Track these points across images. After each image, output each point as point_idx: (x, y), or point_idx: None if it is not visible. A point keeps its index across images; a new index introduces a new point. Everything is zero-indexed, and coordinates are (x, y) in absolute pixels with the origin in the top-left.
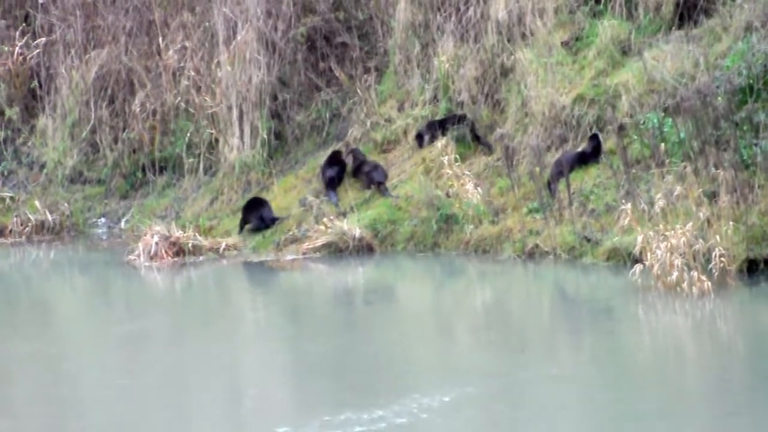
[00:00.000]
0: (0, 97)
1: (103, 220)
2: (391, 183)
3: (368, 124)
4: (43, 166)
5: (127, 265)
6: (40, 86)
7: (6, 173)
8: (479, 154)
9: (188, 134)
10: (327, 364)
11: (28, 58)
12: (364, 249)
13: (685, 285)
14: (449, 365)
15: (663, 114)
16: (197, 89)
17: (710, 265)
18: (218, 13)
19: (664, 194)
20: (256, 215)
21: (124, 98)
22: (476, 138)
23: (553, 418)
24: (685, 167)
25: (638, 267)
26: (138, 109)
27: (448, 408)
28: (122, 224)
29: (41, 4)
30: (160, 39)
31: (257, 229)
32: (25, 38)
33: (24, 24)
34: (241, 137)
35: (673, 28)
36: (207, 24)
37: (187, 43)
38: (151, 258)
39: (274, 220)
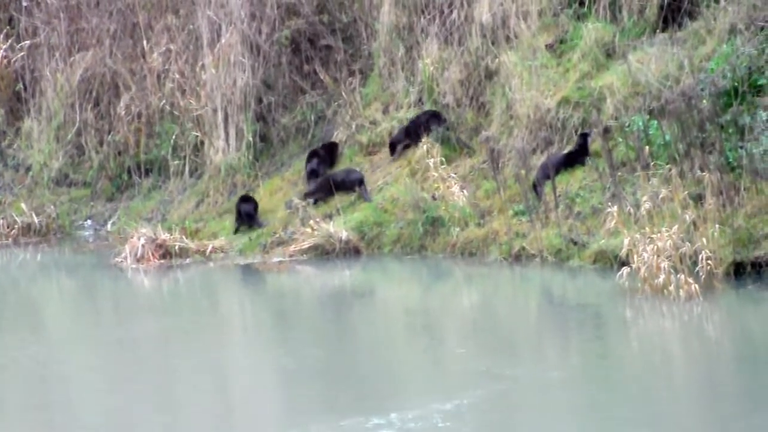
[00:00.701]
0: None
1: (89, 222)
2: (376, 185)
3: (353, 126)
4: (28, 169)
5: (114, 267)
6: (25, 89)
7: None
8: (465, 156)
9: (173, 137)
10: (317, 370)
11: (12, 61)
12: (350, 251)
13: (672, 288)
14: (441, 372)
15: (648, 116)
16: (182, 92)
17: (697, 268)
18: (202, 16)
19: (649, 197)
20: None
21: (109, 101)
22: (457, 140)
23: (551, 425)
24: (670, 170)
25: (625, 270)
26: (123, 112)
27: (449, 416)
28: (108, 226)
29: (25, 7)
30: (145, 42)
31: (244, 225)
32: (10, 41)
33: (8, 27)
34: (227, 140)
35: (658, 30)
36: (191, 27)
37: (171, 46)
38: (138, 260)
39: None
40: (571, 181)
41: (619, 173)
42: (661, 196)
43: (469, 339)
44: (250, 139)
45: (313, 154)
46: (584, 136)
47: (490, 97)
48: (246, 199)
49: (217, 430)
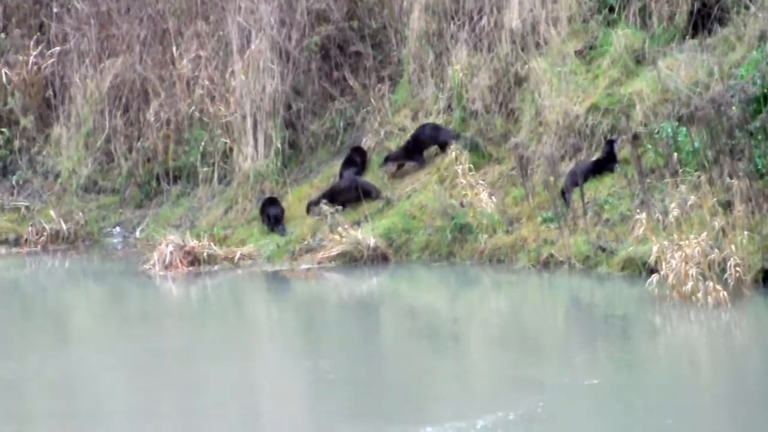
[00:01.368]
0: (15, 106)
1: (117, 229)
2: (404, 192)
3: (382, 133)
4: (57, 176)
5: (142, 274)
6: (55, 95)
7: (21, 182)
8: (493, 163)
9: (202, 143)
10: (347, 380)
11: (42, 67)
12: (378, 258)
13: (700, 295)
14: (472, 381)
15: (677, 123)
16: (211, 98)
17: (725, 275)
18: (232, 23)
19: (678, 204)
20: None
21: (138, 107)
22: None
23: None
24: (699, 177)
25: (654, 277)
26: (152, 119)
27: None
28: (137, 233)
29: (56, 13)
30: (174, 48)
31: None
32: (40, 47)
33: (38, 33)
34: (255, 146)
35: (687, 37)
36: (221, 33)
37: (201, 52)
38: (166, 267)
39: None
40: (600, 187)
41: (648, 180)
42: (689, 202)
43: (498, 347)
44: (279, 145)
45: (349, 162)
46: (611, 143)
47: (519, 104)
48: (272, 201)
49: None
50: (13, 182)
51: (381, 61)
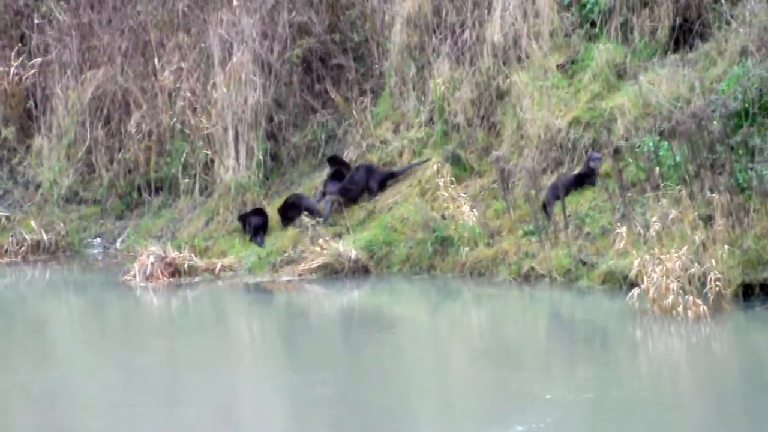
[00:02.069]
0: None
1: (98, 240)
2: (386, 204)
3: (364, 145)
4: (38, 186)
5: (123, 285)
6: (36, 106)
7: (2, 193)
8: (475, 176)
9: (184, 155)
10: (327, 395)
11: (23, 78)
12: (359, 271)
13: (680, 309)
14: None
15: (658, 137)
16: (193, 110)
17: (706, 289)
18: (214, 35)
19: (659, 217)
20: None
21: (119, 119)
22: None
23: None
24: (680, 191)
25: (635, 291)
26: (134, 130)
27: None
28: (118, 244)
29: (37, 24)
30: (156, 60)
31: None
32: (21, 58)
33: (20, 44)
34: (237, 158)
35: (669, 52)
36: (203, 45)
37: (182, 64)
38: (147, 279)
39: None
40: (581, 201)
41: (629, 194)
42: (670, 217)
43: (479, 361)
44: (261, 157)
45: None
46: (590, 159)
47: (501, 117)
48: (257, 212)
49: None
50: None
51: (363, 74)
